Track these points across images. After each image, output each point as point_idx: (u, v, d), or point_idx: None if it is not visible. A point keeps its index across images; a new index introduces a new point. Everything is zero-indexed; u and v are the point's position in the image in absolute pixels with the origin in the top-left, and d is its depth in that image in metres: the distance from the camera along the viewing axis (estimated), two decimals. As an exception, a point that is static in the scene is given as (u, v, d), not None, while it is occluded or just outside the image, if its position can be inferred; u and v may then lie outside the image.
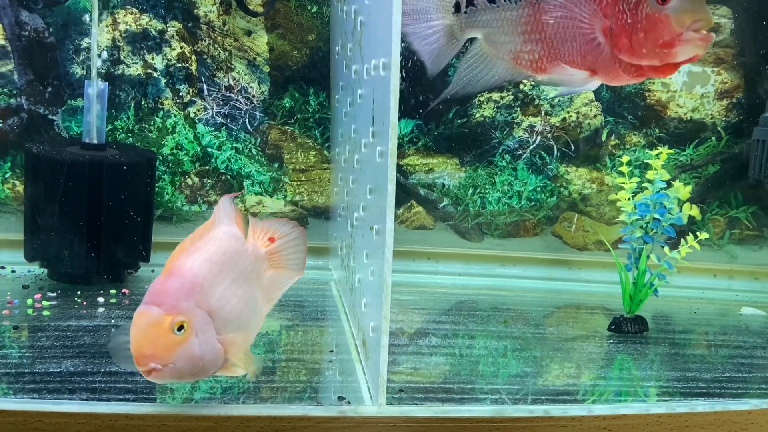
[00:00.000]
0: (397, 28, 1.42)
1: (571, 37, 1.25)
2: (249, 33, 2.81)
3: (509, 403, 1.78)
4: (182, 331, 1.36)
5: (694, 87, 2.90)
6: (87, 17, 2.63)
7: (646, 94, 2.92)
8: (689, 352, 2.26)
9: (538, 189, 2.96)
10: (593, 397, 1.88)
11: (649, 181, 2.34)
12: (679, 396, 1.89)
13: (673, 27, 1.06)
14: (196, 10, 2.76)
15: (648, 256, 2.32)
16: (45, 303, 2.27)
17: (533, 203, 2.95)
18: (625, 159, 2.45)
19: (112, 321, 2.18)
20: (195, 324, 1.37)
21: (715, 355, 2.24)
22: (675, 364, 2.14)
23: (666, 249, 2.32)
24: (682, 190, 2.32)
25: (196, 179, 2.85)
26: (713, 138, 2.93)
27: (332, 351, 2.07)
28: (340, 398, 1.76)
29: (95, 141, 2.46)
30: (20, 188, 2.72)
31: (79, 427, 1.51)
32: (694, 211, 2.34)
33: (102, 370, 1.84)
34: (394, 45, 1.42)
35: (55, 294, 2.35)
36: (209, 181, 2.86)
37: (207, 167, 2.85)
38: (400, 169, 2.91)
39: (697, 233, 2.34)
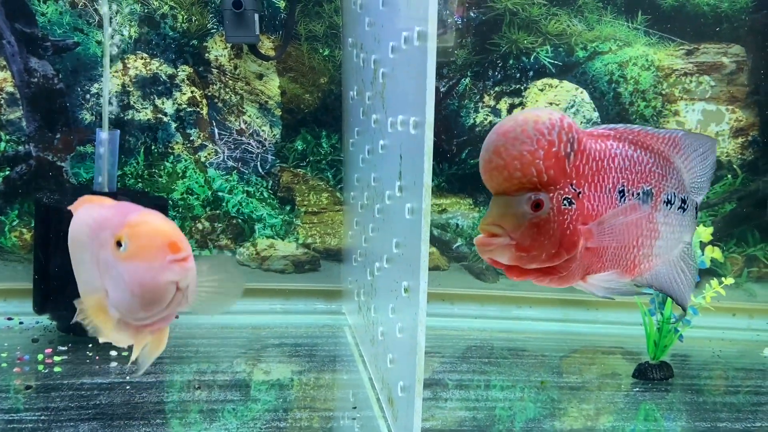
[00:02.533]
0: (431, 89, 1.39)
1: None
2: (261, 76, 2.78)
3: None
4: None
5: (708, 125, 2.89)
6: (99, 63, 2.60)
7: (661, 132, 2.91)
8: (717, 399, 2.21)
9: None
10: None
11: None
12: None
13: None
14: (206, 54, 2.74)
15: (672, 302, 2.28)
16: (56, 358, 2.21)
17: (548, 243, 2.92)
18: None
19: (127, 378, 2.11)
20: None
21: (743, 402, 2.19)
22: (705, 414, 2.09)
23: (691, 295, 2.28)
24: (704, 232, 2.30)
25: (207, 224, 2.81)
26: (729, 176, 2.91)
27: (355, 408, 2.02)
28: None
29: (105, 189, 2.41)
30: (28, 236, 2.67)
31: (104, 504, 1.44)
32: (717, 253, 2.31)
33: (121, 434, 1.78)
34: (428, 107, 1.39)
35: (66, 348, 2.29)
36: (220, 225, 2.81)
37: (218, 211, 2.81)
38: (412, 209, 2.87)
39: (722, 278, 2.31)
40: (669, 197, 1.14)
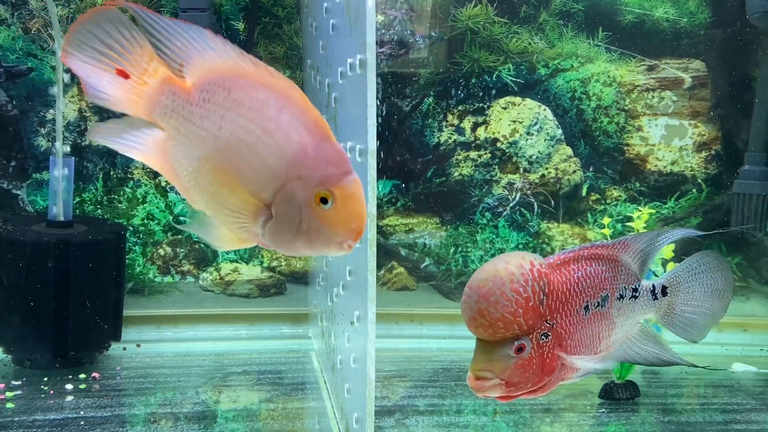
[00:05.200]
0: (372, 118, 1.37)
1: None
2: (220, 99, 2.75)
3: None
4: None
5: (672, 140, 2.89)
6: (54, 88, 2.55)
7: (625, 148, 2.91)
8: (684, 419, 2.19)
9: (521, 246, 2.91)
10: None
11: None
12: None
13: None
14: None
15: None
16: (8, 394, 2.14)
17: (516, 261, 2.90)
18: (606, 221, 2.41)
19: (81, 412, 2.06)
20: None
21: (712, 420, 2.17)
22: (672, 435, 2.07)
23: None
24: (666, 249, 2.28)
25: (169, 249, 2.76)
26: (694, 190, 2.91)
27: (316, 438, 1.97)
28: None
29: (61, 218, 2.36)
30: (-17, 266, 2.60)
31: None
32: (680, 269, 2.29)
33: (69, 475, 1.72)
34: (370, 135, 1.36)
35: (19, 382, 2.23)
36: (182, 250, 2.77)
37: (179, 236, 2.76)
38: (380, 229, 2.85)
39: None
40: (621, 293, 1.30)
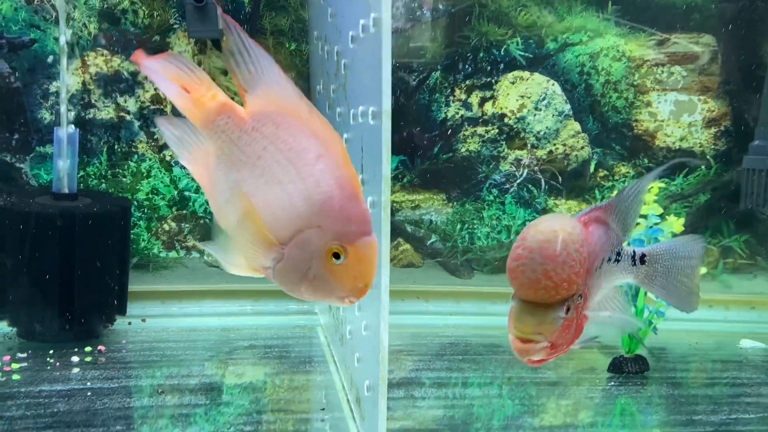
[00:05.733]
0: (387, 77, 1.34)
1: None
2: (226, 72, 2.72)
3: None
4: None
5: (681, 116, 2.87)
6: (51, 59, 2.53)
7: (634, 124, 2.88)
8: (693, 392, 2.18)
9: (527, 223, 2.89)
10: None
11: (643, 216, 2.27)
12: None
13: (509, 325, 1.18)
14: (169, 50, 2.67)
15: (645, 294, 2.25)
16: (14, 365, 2.13)
17: (523, 238, 2.88)
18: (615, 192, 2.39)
19: (88, 383, 2.04)
20: None
21: (720, 394, 2.17)
22: (681, 407, 2.06)
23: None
24: (676, 223, 2.27)
25: (174, 224, 2.74)
26: (703, 167, 2.89)
27: (323, 409, 1.96)
28: (336, 464, 1.65)
29: (66, 190, 2.34)
30: (-13, 240, 2.58)
31: None
32: (691, 243, 2.28)
33: (77, 443, 1.71)
34: (385, 95, 1.34)
35: (25, 355, 2.21)
36: (187, 225, 2.74)
37: (185, 211, 2.74)
38: (385, 206, 2.82)
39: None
40: (609, 255, 1.33)
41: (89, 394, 1.98)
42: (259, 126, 1.10)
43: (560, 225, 1.13)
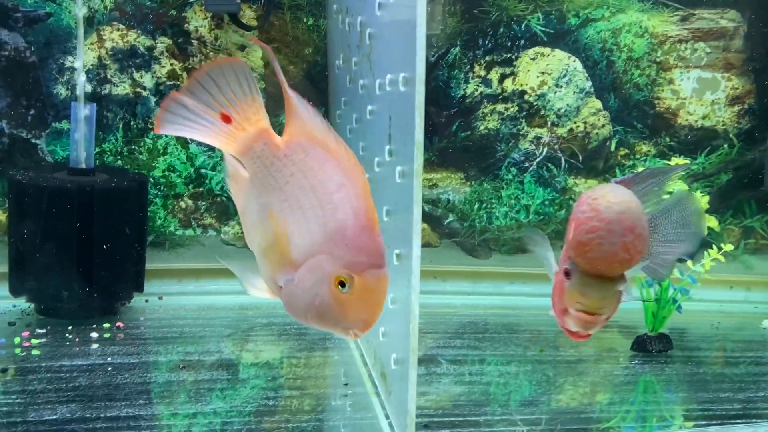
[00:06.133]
0: (421, 41, 1.31)
1: None
2: (243, 48, 2.69)
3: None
4: None
5: (704, 93, 2.83)
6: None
7: (656, 102, 2.84)
8: (718, 371, 2.17)
9: (546, 202, 2.86)
10: (635, 425, 1.77)
11: (668, 193, 2.24)
12: (717, 420, 1.79)
13: (564, 300, 1.15)
14: (186, 25, 2.63)
15: (670, 271, 2.22)
16: (34, 341, 2.11)
17: (541, 217, 2.85)
18: (639, 169, 2.36)
19: (108, 359, 2.03)
20: None
21: (745, 373, 2.15)
22: (707, 385, 2.04)
23: (689, 263, 2.23)
24: (701, 201, 2.24)
25: (190, 202, 2.71)
26: (725, 145, 2.85)
27: (347, 384, 1.95)
28: (364, 438, 1.63)
29: (83, 166, 2.31)
30: (2, 218, 2.56)
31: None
32: (713, 222, 2.26)
33: (102, 415, 1.70)
34: (419, 59, 1.31)
35: (44, 331, 2.20)
36: (203, 203, 2.72)
37: (201, 189, 2.71)
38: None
39: (721, 245, 2.25)
40: None
41: (110, 369, 1.96)
42: (291, 153, 1.16)
43: (628, 196, 1.12)
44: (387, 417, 1.73)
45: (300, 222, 1.14)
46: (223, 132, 1.22)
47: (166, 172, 2.67)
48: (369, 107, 1.89)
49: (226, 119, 1.22)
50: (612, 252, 1.08)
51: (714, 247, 2.26)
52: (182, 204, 2.71)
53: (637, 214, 1.10)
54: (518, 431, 1.70)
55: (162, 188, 2.68)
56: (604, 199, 1.11)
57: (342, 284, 1.10)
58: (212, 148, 2.70)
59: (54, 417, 1.68)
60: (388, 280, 1.12)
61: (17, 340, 2.11)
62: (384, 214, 1.74)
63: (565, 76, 2.79)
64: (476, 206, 2.85)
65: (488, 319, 2.60)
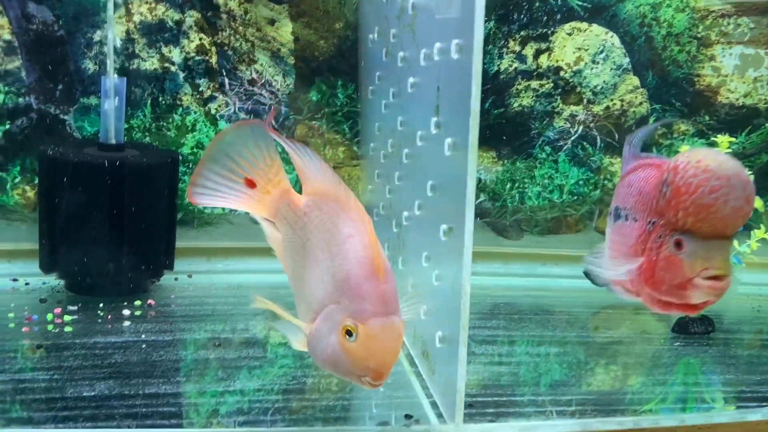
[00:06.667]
0: (481, 4, 1.26)
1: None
2: (272, 22, 2.63)
3: (589, 415, 1.63)
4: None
5: (746, 70, 2.75)
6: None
7: (695, 79, 2.77)
8: (765, 353, 2.11)
9: (581, 182, 2.80)
10: (681, 406, 1.73)
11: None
12: (765, 402, 1.75)
13: (685, 272, 1.13)
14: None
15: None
16: (66, 318, 2.09)
17: (575, 197, 2.80)
18: (684, 148, 2.30)
19: (142, 336, 2.00)
20: None
21: (791, 356, 2.10)
22: (753, 367, 1.99)
23: (735, 243, 2.17)
24: (757, 203, 2.19)
25: (219, 180, 2.67)
26: (767, 124, 2.78)
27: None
28: (408, 416, 1.59)
29: (113, 141, 2.27)
30: (31, 194, 2.54)
31: (129, 462, 1.33)
32: (758, 203, 2.21)
33: (141, 392, 1.67)
34: (477, 23, 1.25)
35: (75, 308, 2.17)
36: (232, 181, 2.68)
37: (230, 167, 2.67)
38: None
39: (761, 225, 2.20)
40: None
41: (144, 346, 1.94)
42: (308, 211, 1.25)
43: (721, 153, 1.13)
44: (429, 396, 1.70)
45: (317, 275, 1.21)
46: (251, 198, 1.30)
47: (195, 150, 2.63)
48: (411, 80, 1.83)
49: (251, 184, 1.29)
50: (738, 207, 1.08)
51: (762, 226, 2.20)
52: (211, 182, 2.67)
53: (741, 166, 1.12)
54: (564, 411, 1.67)
55: (190, 166, 2.64)
56: (709, 159, 1.11)
57: (349, 333, 1.16)
58: (241, 125, 2.66)
59: (93, 393, 1.65)
60: (399, 326, 1.19)
61: (49, 316, 2.09)
62: (428, 189, 1.70)
63: (602, 52, 2.72)
64: (508, 186, 2.80)
65: (521, 301, 2.56)
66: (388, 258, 2.26)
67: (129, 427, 1.46)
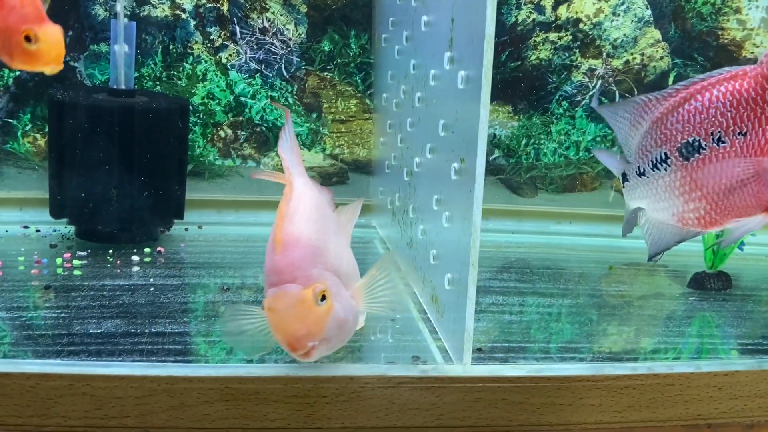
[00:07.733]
0: None
1: (736, 185, 1.26)
2: (285, -25, 2.58)
3: (602, 360, 1.60)
4: (325, 300, 1.27)
5: (773, 24, 2.66)
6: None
7: (719, 32, 2.68)
8: (783, 308, 2.07)
9: (598, 139, 2.74)
10: (696, 354, 1.69)
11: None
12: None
13: None
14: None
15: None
16: (76, 262, 2.09)
17: (592, 155, 2.74)
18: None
19: (151, 280, 1.99)
20: (332, 288, 1.28)
21: (810, 311, 2.04)
22: (770, 322, 1.95)
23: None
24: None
25: (230, 131, 2.65)
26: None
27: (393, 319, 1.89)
28: (415, 358, 1.57)
29: (123, 86, 2.25)
30: (41, 142, 2.53)
31: (133, 391, 1.33)
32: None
33: (147, 330, 1.66)
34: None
35: (85, 253, 2.17)
36: (243, 133, 2.65)
37: (241, 118, 2.64)
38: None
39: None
40: None
41: (152, 289, 1.93)
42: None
43: None
44: (437, 340, 1.67)
45: None
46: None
47: (206, 100, 2.60)
48: (424, 18, 1.79)
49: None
50: None
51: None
52: (221, 133, 2.64)
53: None
54: (575, 357, 1.64)
55: (201, 116, 2.61)
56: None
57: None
58: (252, 76, 2.62)
59: (99, 331, 1.65)
60: (293, 293, 1.22)
61: (59, 260, 2.08)
62: (440, 129, 1.66)
63: (623, 3, 2.64)
64: (523, 142, 2.74)
65: (533, 256, 2.52)
66: (398, 208, 2.23)
67: (134, 361, 1.45)
